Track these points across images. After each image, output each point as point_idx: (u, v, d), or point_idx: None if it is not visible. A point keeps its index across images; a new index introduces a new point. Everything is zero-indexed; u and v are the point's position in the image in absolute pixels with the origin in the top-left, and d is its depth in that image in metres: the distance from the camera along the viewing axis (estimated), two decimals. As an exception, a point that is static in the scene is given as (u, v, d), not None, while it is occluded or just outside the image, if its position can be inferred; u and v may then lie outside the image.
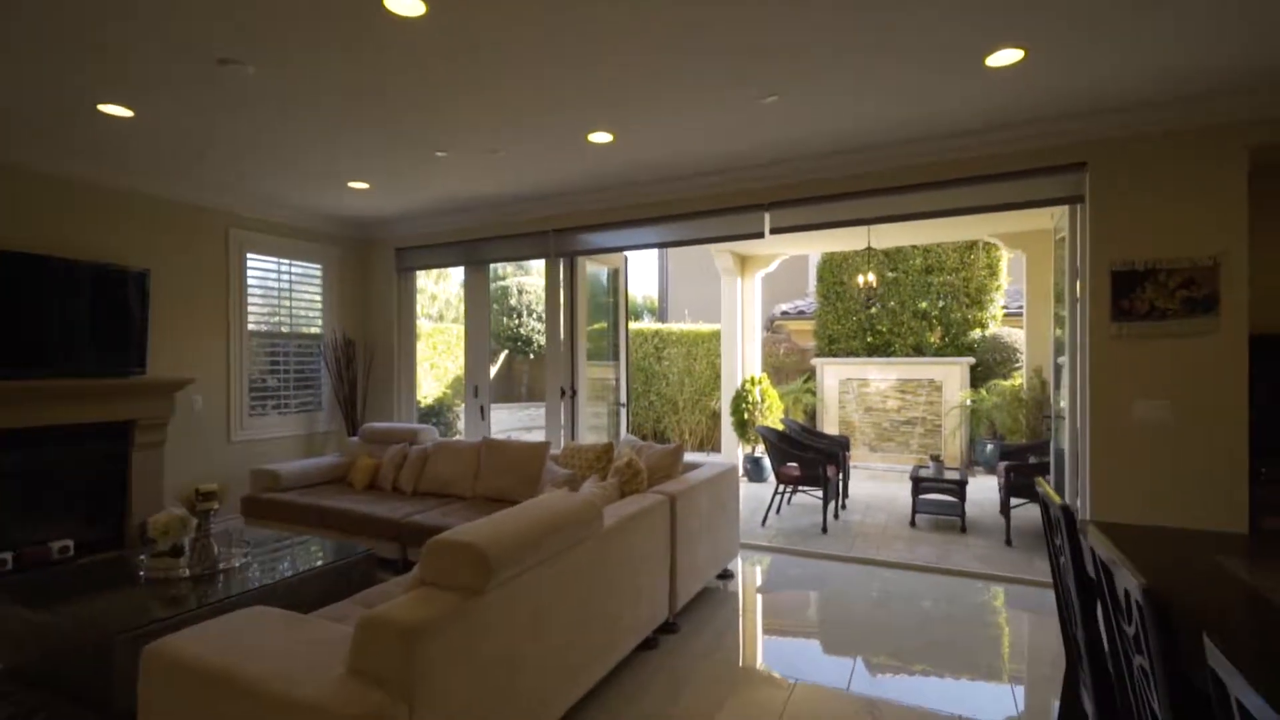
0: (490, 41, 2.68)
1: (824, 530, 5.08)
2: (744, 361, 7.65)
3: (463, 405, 6.63)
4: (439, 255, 5.87)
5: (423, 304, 12.28)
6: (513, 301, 12.40)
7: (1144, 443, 3.45)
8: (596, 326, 5.96)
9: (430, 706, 1.54)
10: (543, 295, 5.50)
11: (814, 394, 8.80)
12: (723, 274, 7.64)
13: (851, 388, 8.69)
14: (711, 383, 9.52)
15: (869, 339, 9.09)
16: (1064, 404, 4.17)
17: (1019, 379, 7.77)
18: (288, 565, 3.14)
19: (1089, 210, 3.59)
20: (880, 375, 8.56)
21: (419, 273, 6.34)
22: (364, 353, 6.13)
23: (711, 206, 4.63)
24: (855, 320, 9.17)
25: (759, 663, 2.94)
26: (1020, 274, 8.51)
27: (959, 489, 5.12)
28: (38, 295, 3.98)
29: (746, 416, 7.07)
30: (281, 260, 5.59)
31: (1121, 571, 1.16)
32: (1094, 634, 1.55)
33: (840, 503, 5.81)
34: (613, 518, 2.61)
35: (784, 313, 11.09)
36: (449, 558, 1.73)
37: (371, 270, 6.23)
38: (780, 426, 6.78)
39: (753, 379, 7.21)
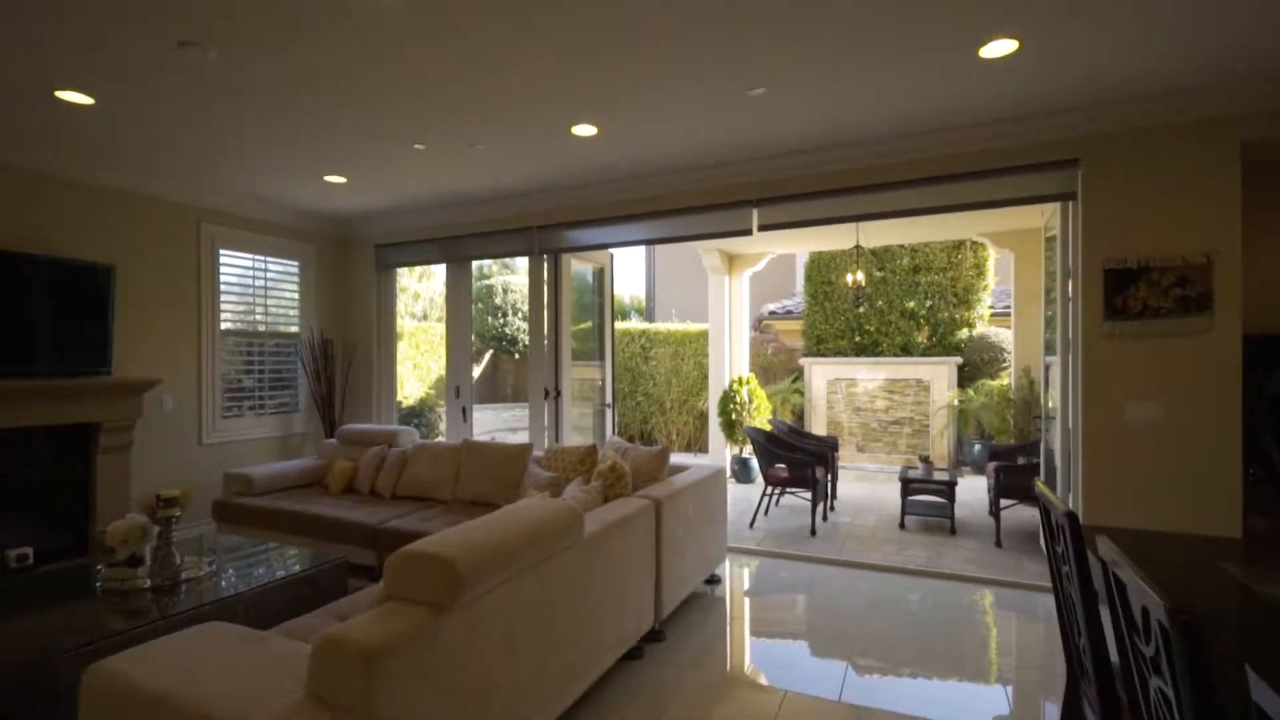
0: (469, 29, 2.56)
1: (813, 533, 5.00)
2: (731, 361, 7.57)
3: (445, 406, 6.49)
4: (420, 252, 5.72)
5: (406, 303, 12.10)
6: (498, 301, 12.25)
7: (1137, 443, 3.40)
8: (582, 326, 5.85)
9: (395, 733, 1.43)
10: (528, 294, 5.36)
11: (802, 394, 8.74)
12: (710, 273, 7.55)
13: (840, 388, 8.64)
14: (699, 383, 9.44)
15: (857, 339, 9.05)
16: (1055, 404, 4.11)
17: (1006, 379, 7.75)
18: (255, 574, 3.00)
19: (1081, 207, 3.53)
20: (868, 375, 8.51)
21: (401, 271, 6.19)
22: (343, 352, 5.98)
23: (699, 203, 4.53)
24: (843, 320, 9.13)
25: (748, 671, 2.84)
26: (1007, 274, 8.52)
27: (949, 490, 5.06)
28: (-6, 291, 3.80)
29: (734, 417, 6.98)
30: (257, 257, 5.42)
31: (1140, 587, 1.07)
32: (1101, 650, 1.46)
33: (829, 504, 5.74)
34: (595, 524, 2.50)
35: (772, 312, 11.03)
36: (416, 571, 1.62)
37: (350, 267, 6.07)
38: (768, 427, 6.70)
39: (740, 379, 7.13)
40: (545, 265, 5.23)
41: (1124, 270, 3.42)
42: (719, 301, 7.51)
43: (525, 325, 11.69)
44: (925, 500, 5.37)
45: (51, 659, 2.05)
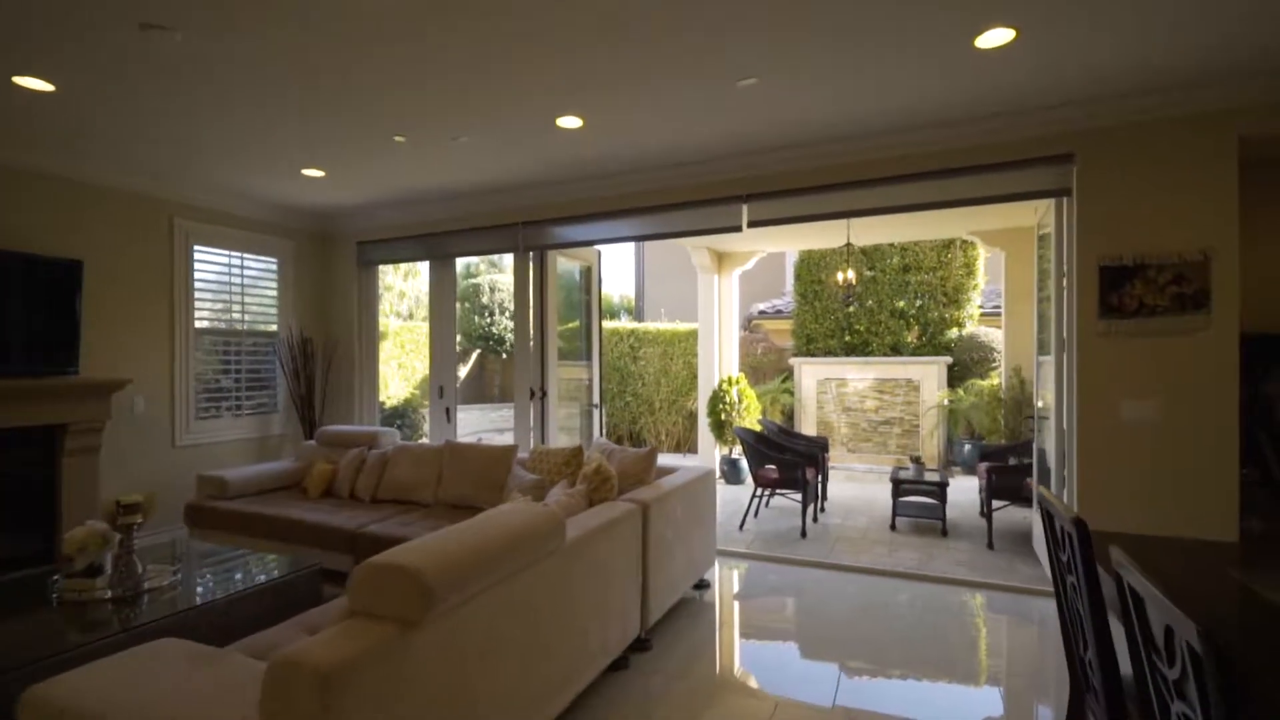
0: (449, 14, 2.45)
1: (803, 535, 4.92)
2: (721, 361, 7.48)
3: (429, 407, 6.35)
4: (402, 249, 5.59)
5: (391, 302, 11.92)
6: (484, 300, 12.10)
7: (1132, 444, 3.33)
8: (570, 326, 5.74)
9: (355, 762, 1.32)
10: (513, 292, 5.24)
11: (792, 394, 8.67)
12: (699, 271, 7.46)
13: (829, 388, 8.58)
14: (688, 383, 9.35)
15: (847, 338, 8.99)
16: (1048, 404, 4.05)
17: (996, 379, 7.71)
18: (224, 583, 2.87)
19: (1076, 203, 3.46)
20: (858, 375, 8.46)
21: (386, 270, 6.06)
22: (323, 351, 5.83)
23: (688, 198, 4.43)
24: (833, 319, 9.07)
25: (738, 679, 2.75)
26: (996, 273, 8.48)
27: (940, 491, 4.99)
28: (-48, 288, 3.64)
29: (724, 417, 6.90)
30: (233, 253, 5.27)
31: (1163, 604, 0.98)
32: (1111, 664, 1.38)
33: (819, 505, 5.66)
34: (578, 530, 2.39)
35: (761, 312, 10.97)
36: (383, 584, 1.50)
37: (331, 265, 5.92)
38: (758, 427, 6.61)
39: (730, 379, 7.04)
40: (531, 262, 5.12)
41: (1119, 267, 3.35)
42: (708, 301, 7.42)
43: (513, 324, 11.55)
44: (916, 501, 5.31)
45: (-9, 679, 1.92)
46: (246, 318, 5.43)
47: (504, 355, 12.19)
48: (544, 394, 5.16)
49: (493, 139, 3.86)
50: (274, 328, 5.60)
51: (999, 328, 8.01)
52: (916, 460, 5.45)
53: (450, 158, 4.20)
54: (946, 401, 7.79)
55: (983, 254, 8.63)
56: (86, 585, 2.54)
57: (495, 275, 12.81)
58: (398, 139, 3.84)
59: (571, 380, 5.68)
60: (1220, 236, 3.18)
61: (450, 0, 2.39)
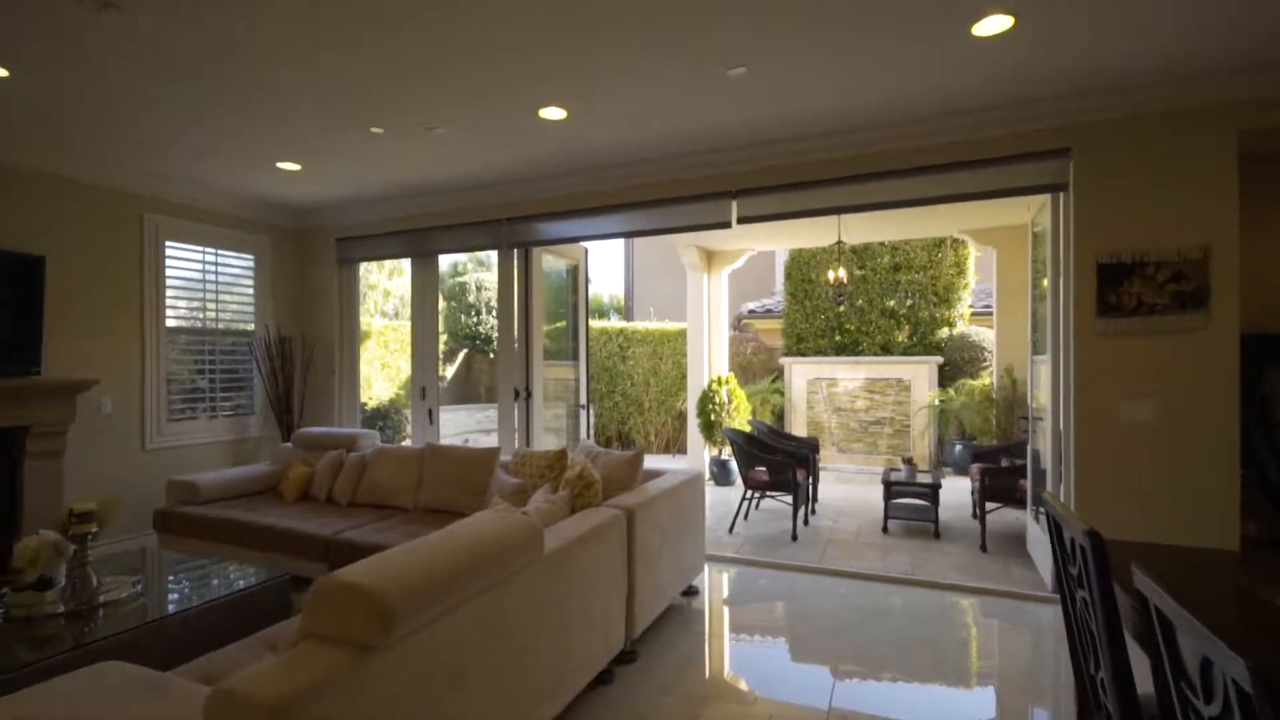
0: (418, -10, 2.33)
1: (794, 538, 4.82)
2: (710, 361, 7.37)
3: (411, 408, 6.20)
4: (383, 246, 5.44)
5: (376, 300, 11.72)
6: (471, 298, 11.93)
7: (1131, 445, 3.25)
8: (557, 326, 5.62)
9: (305, 804, 1.19)
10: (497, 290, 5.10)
11: (782, 394, 8.58)
12: (689, 270, 7.35)
13: (820, 387, 8.50)
14: (678, 383, 9.24)
15: (837, 338, 8.92)
16: (1042, 405, 3.97)
17: (988, 378, 7.66)
18: (187, 595, 2.73)
19: (1073, 199, 3.38)
20: (849, 375, 8.38)
21: (371, 268, 5.90)
22: (302, 351, 5.66)
23: (676, 194, 4.32)
24: (823, 319, 8.99)
25: (727, 691, 2.63)
26: (987, 272, 8.45)
27: (932, 493, 4.91)
28: (-97, 284, 3.46)
29: (713, 418, 6.79)
30: (207, 249, 5.10)
31: (1201, 633, 0.87)
32: (1128, 688, 1.27)
33: (810, 507, 5.56)
34: (558, 539, 2.27)
35: (751, 311, 10.87)
36: (339, 606, 1.38)
37: (310, 262, 5.76)
38: (748, 428, 6.52)
39: (719, 379, 6.94)
40: (515, 259, 4.98)
41: (1117, 265, 3.27)
42: (698, 300, 7.31)
43: (500, 324, 11.37)
44: (908, 503, 5.22)
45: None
46: (222, 316, 5.26)
47: (491, 355, 12.02)
48: (529, 394, 5.03)
49: (473, 131, 3.73)
50: (251, 327, 5.43)
51: (990, 327, 7.96)
52: (908, 461, 5.36)
53: (430, 151, 4.06)
54: (937, 401, 7.73)
55: (973, 253, 8.57)
56: (36, 599, 2.39)
57: (482, 274, 12.64)
58: (374, 130, 3.70)
59: (558, 380, 5.56)
60: (1220, 233, 3.11)
61: (423, -20, 2.26)
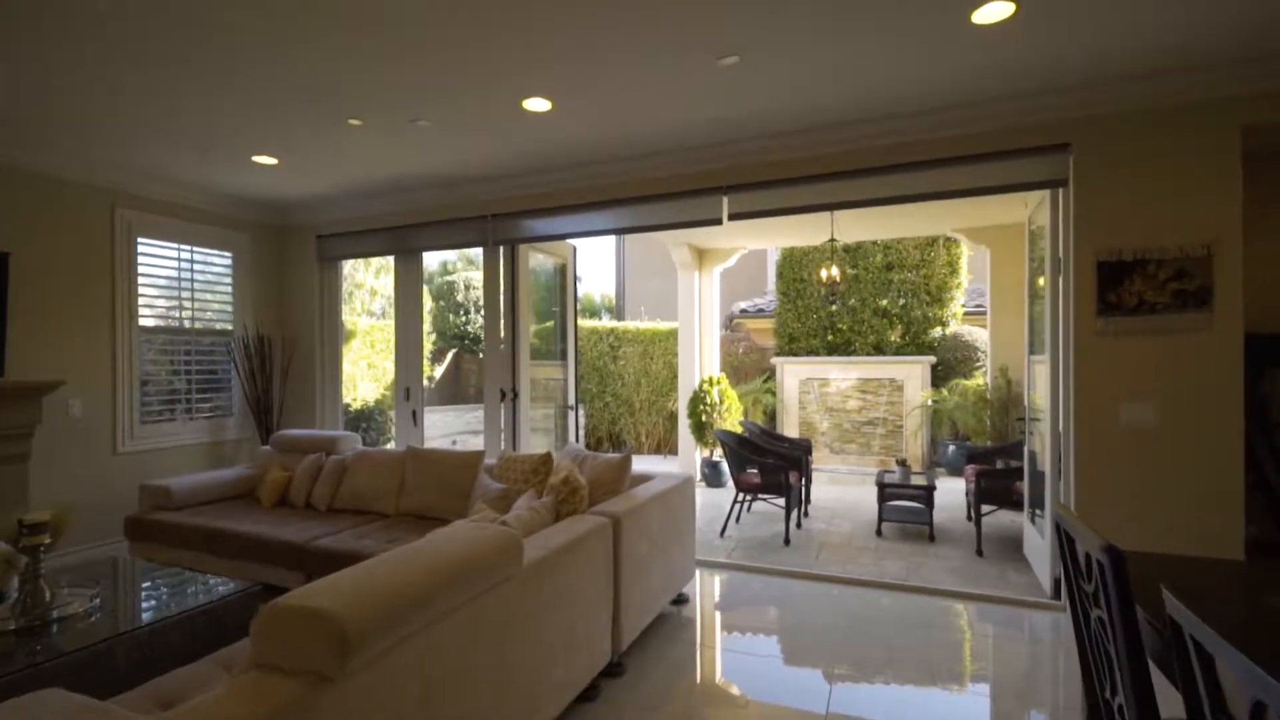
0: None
1: (786, 542, 4.71)
2: (702, 361, 7.27)
3: (395, 409, 6.06)
4: (366, 243, 5.29)
5: (362, 300, 11.54)
6: (459, 297, 11.77)
7: (1132, 448, 3.17)
8: (545, 325, 5.49)
9: None
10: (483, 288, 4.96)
11: (774, 394, 8.48)
12: (679, 268, 7.23)
13: (812, 388, 8.41)
14: (669, 383, 9.13)
15: (830, 338, 8.84)
16: (1038, 406, 3.89)
17: (981, 378, 7.59)
18: (150, 609, 2.59)
19: (1073, 195, 3.29)
20: (841, 375, 8.30)
21: (358, 267, 5.76)
22: (282, 351, 5.51)
23: (665, 190, 4.20)
24: (816, 318, 8.91)
25: (718, 705, 2.52)
26: (980, 271, 8.38)
27: (927, 495, 4.82)
28: None
29: (704, 419, 6.68)
30: (182, 246, 4.93)
31: (1251, 674, 0.77)
32: (1150, 714, 1.17)
33: (803, 510, 5.47)
34: (541, 549, 2.15)
35: (743, 311, 10.78)
36: (290, 632, 1.25)
37: (290, 259, 5.60)
38: (739, 429, 6.41)
39: (711, 379, 6.83)
40: (501, 256, 4.86)
41: (1118, 263, 3.19)
42: (689, 299, 7.20)
43: (489, 323, 11.21)
44: (903, 506, 5.14)
45: None
46: (199, 315, 5.10)
47: (480, 354, 11.88)
48: (515, 395, 4.90)
49: (456, 123, 3.60)
50: (229, 326, 5.27)
51: (983, 327, 7.90)
52: (902, 463, 5.28)
53: (413, 144, 3.93)
54: (930, 402, 7.66)
55: (966, 252, 8.52)
56: (-17, 616, 2.25)
57: (471, 273, 12.49)
58: (353, 122, 3.56)
59: (546, 380, 5.44)
60: (1224, 230, 3.03)
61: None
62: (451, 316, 11.79)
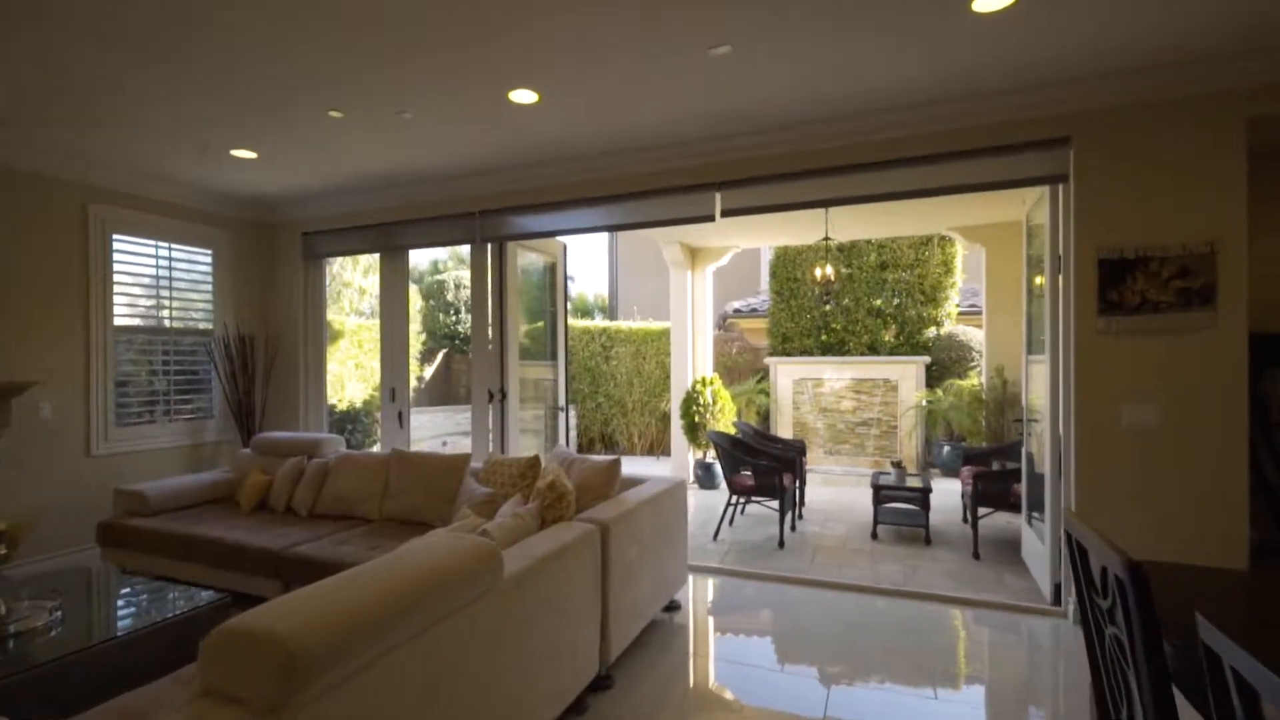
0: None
1: (780, 545, 4.62)
2: (695, 361, 7.17)
3: (381, 411, 5.93)
4: (351, 240, 5.17)
5: (350, 299, 11.37)
6: (450, 297, 11.63)
7: (1134, 449, 3.09)
8: (536, 326, 5.38)
9: None
10: (470, 287, 4.85)
11: (767, 395, 8.40)
12: (672, 267, 7.13)
13: (806, 388, 8.33)
14: (662, 383, 9.03)
15: (823, 337, 8.76)
16: (1036, 407, 3.81)
17: (976, 379, 7.53)
18: (114, 622, 2.47)
19: (1073, 191, 3.21)
20: (835, 375, 8.22)
21: (347, 266, 5.63)
22: (265, 352, 5.38)
23: (656, 185, 4.10)
24: (809, 318, 8.83)
25: (710, 714, 2.43)
26: (975, 270, 8.32)
27: (923, 498, 4.74)
28: None
29: (697, 419, 6.59)
30: (160, 243, 4.80)
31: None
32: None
33: (797, 512, 5.38)
34: (524, 559, 2.04)
35: (736, 310, 10.69)
36: (238, 657, 1.14)
37: (273, 257, 5.47)
38: (733, 430, 6.32)
39: (704, 380, 6.73)
40: (489, 254, 4.74)
41: (1120, 260, 3.11)
42: (681, 298, 7.10)
43: (480, 323, 11.06)
44: (898, 508, 5.05)
45: None
46: (178, 314, 4.97)
47: (471, 355, 11.75)
48: (504, 396, 4.79)
49: (440, 115, 3.48)
50: (210, 325, 5.14)
51: (978, 326, 7.84)
52: (897, 465, 5.20)
53: (397, 138, 3.81)
54: (925, 402, 7.59)
55: (961, 251, 8.45)
56: (-66, 631, 2.13)
57: (462, 271, 12.34)
58: (333, 114, 3.45)
59: (537, 380, 5.33)
60: (1228, 227, 2.95)
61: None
62: (442, 316, 11.64)
